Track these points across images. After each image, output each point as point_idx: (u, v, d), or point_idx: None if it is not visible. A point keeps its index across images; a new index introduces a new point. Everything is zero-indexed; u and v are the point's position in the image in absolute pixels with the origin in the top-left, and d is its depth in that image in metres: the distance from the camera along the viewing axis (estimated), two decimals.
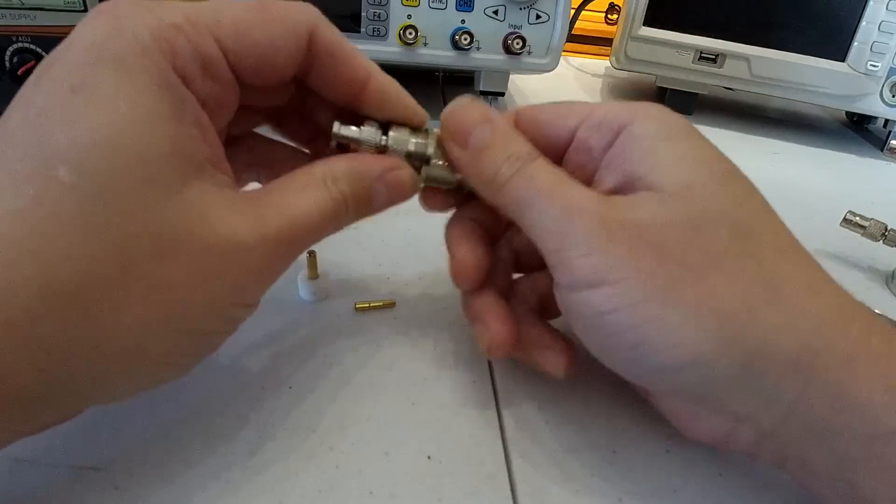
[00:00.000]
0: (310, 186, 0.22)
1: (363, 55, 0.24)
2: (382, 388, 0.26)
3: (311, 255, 0.30)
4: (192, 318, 0.20)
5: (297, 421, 0.24)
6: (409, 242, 0.36)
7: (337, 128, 0.24)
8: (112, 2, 0.20)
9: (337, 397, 0.26)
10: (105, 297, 0.17)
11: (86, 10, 0.40)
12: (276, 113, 0.27)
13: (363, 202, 0.23)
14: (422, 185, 0.25)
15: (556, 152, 0.24)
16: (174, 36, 0.19)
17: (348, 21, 0.45)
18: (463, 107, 0.24)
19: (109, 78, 0.18)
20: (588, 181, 0.23)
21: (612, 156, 0.23)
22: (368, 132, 0.24)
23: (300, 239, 0.22)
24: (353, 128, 0.24)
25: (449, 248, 0.26)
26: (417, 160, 0.25)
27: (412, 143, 0.24)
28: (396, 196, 0.24)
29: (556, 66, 0.49)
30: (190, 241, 0.19)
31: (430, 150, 0.24)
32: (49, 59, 0.19)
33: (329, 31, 0.23)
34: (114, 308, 0.18)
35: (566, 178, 0.22)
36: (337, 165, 0.23)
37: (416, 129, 0.25)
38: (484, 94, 0.51)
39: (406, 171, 0.24)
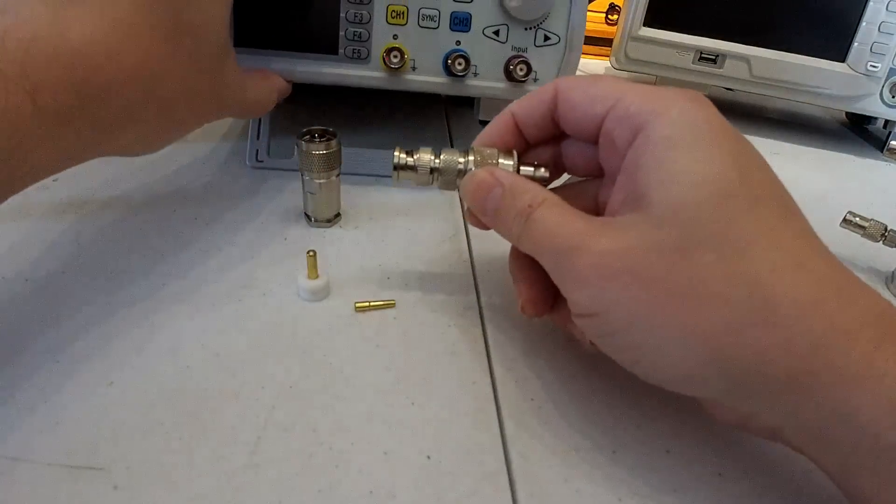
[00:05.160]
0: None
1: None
2: (382, 388, 0.26)
3: (312, 255, 0.30)
4: (183, 111, 0.30)
5: (297, 420, 0.24)
6: (409, 242, 0.36)
7: (396, 157, 0.29)
8: None
9: (337, 397, 0.26)
10: (155, 67, 0.27)
11: None
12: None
13: None
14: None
15: (590, 136, 0.26)
16: None
17: (323, 42, 0.38)
18: (474, 178, 0.27)
19: None
20: (614, 177, 0.24)
21: (630, 159, 0.23)
22: (422, 158, 0.29)
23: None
24: (409, 157, 0.29)
25: (514, 281, 0.28)
26: (462, 176, 0.28)
27: (459, 162, 0.28)
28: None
29: None
30: (220, 72, 0.31)
31: (472, 167, 0.28)
32: None
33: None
34: (153, 77, 0.27)
35: (565, 214, 0.24)
36: None
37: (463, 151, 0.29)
38: (483, 123, 0.42)
39: None
